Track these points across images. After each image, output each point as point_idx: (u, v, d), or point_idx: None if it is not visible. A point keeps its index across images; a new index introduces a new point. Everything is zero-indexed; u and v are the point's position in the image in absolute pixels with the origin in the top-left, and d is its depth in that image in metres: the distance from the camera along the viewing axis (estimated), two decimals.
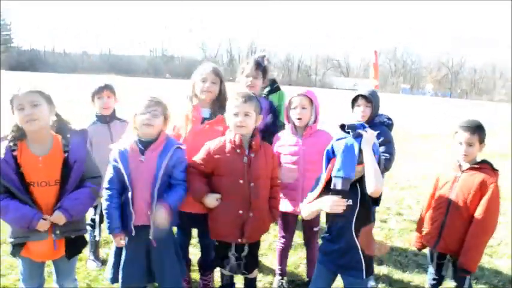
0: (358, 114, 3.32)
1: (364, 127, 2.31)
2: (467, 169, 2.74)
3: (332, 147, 2.34)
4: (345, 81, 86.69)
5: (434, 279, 3.01)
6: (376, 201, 2.32)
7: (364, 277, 2.40)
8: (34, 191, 2.27)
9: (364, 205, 2.33)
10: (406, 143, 11.01)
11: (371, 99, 3.25)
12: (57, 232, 2.33)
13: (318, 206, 2.40)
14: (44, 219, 2.25)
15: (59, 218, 2.28)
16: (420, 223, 3.03)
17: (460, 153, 2.72)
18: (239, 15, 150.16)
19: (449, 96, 79.60)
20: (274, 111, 3.49)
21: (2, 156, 2.20)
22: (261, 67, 3.41)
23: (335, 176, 2.25)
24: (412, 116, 20.06)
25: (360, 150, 2.22)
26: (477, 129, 2.68)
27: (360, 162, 2.24)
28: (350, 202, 2.31)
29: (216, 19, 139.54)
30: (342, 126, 2.32)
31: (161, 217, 2.46)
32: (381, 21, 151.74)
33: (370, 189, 2.21)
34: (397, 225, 5.04)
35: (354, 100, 3.34)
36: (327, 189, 2.33)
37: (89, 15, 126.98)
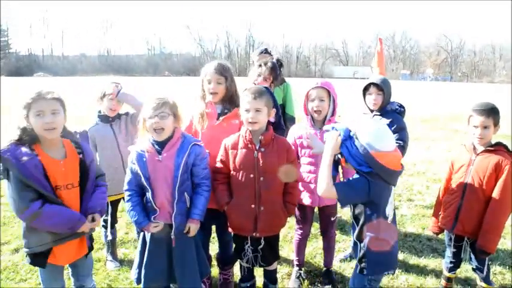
0: (370, 103, 3.32)
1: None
2: (482, 152, 2.74)
3: None
4: (345, 70, 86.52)
5: (451, 262, 3.03)
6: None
7: (357, 272, 2.35)
8: (62, 194, 2.29)
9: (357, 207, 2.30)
10: (409, 128, 11.00)
11: (382, 87, 3.24)
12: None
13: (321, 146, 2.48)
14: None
15: (99, 220, 2.46)
16: (437, 207, 3.04)
17: (475, 136, 2.71)
18: (235, 9, 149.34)
19: (449, 80, 79.27)
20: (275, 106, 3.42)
21: (26, 159, 2.14)
22: (275, 73, 3.43)
23: None
24: (413, 101, 19.94)
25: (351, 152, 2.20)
26: (492, 112, 2.67)
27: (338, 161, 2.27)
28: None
29: (213, 14, 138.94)
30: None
31: (193, 232, 2.61)
32: (379, 8, 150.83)
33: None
34: (408, 211, 5.06)
35: (366, 89, 3.33)
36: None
37: (85, 16, 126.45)
